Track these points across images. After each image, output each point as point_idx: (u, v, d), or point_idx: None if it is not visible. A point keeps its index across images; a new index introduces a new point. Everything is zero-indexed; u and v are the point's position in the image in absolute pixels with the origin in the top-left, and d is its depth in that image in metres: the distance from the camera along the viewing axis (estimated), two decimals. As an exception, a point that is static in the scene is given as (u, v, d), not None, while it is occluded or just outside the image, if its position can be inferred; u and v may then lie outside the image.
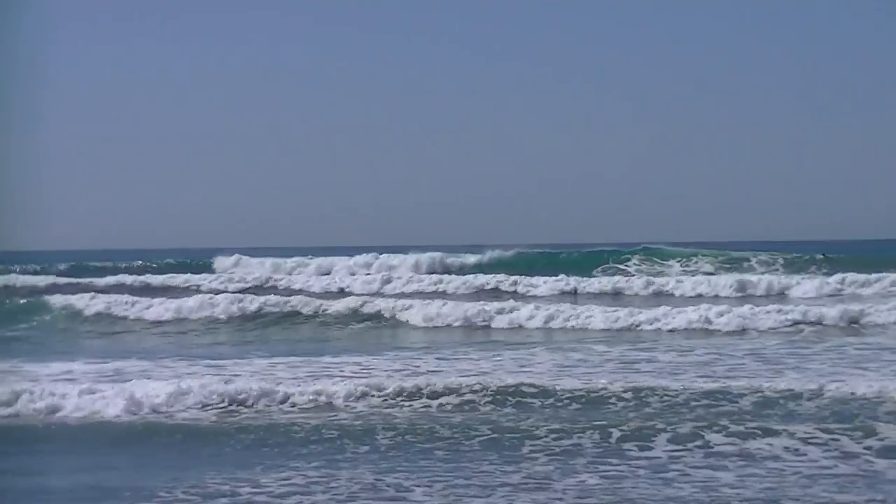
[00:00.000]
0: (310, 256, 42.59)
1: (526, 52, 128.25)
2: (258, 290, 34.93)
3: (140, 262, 46.27)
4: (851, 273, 31.73)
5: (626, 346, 19.92)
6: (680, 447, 11.23)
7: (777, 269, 36.34)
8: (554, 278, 34.30)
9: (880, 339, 20.15)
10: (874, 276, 31.25)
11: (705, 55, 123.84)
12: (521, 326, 24.35)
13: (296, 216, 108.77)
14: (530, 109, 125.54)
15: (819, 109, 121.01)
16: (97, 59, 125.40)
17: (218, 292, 30.95)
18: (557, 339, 22.11)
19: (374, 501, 9.49)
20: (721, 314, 23.17)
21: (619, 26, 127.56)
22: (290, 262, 42.14)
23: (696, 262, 37.80)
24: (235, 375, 15.88)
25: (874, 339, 20.27)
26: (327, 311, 27.12)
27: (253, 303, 28.00)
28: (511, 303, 26.14)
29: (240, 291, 32.67)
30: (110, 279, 39.83)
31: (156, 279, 40.07)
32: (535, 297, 31.68)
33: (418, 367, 16.95)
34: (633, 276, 35.99)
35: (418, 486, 9.90)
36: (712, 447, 11.20)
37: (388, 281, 36.39)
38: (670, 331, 22.71)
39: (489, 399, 13.83)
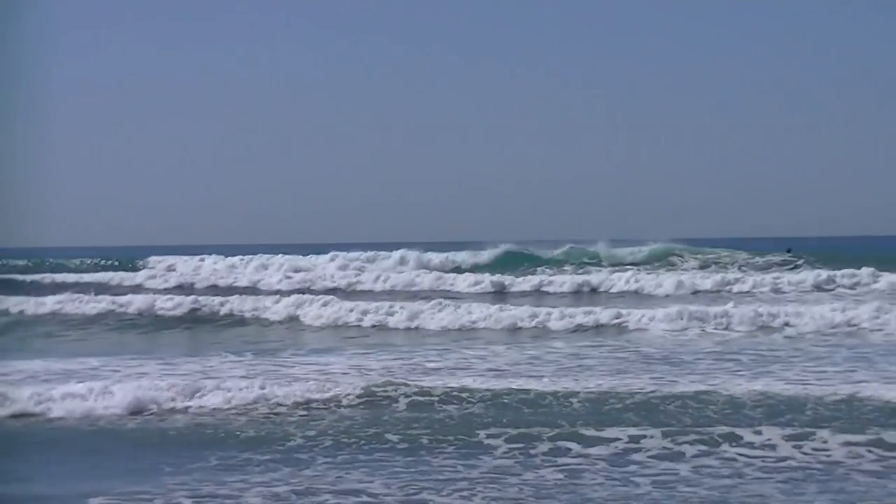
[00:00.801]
0: (281, 255, 40.89)
1: (506, 52, 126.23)
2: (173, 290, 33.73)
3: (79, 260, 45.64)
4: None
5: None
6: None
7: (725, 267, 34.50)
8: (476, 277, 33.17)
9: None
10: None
11: (684, 55, 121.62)
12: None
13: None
14: (500, 109, 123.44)
15: (794, 109, 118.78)
16: (97, 60, 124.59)
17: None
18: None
19: None
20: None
21: (589, 24, 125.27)
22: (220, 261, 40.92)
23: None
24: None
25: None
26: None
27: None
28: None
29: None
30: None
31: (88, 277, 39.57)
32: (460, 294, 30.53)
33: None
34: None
35: None
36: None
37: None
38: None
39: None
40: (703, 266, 34.46)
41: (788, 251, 36.92)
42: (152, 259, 43.55)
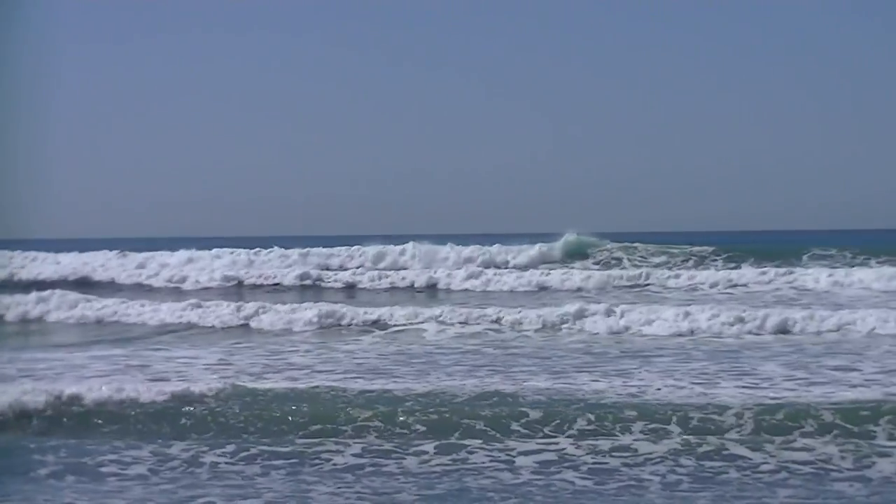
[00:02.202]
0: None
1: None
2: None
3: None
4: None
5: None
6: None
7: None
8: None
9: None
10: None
11: (614, 48, 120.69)
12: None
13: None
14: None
15: (734, 99, 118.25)
16: (98, 60, 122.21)
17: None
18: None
19: None
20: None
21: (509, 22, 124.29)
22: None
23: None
24: None
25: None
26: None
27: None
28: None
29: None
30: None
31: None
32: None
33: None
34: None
35: None
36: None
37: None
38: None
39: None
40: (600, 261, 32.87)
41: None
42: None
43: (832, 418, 10.99)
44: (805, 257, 31.36)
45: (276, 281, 31.61)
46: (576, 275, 29.41)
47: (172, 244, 36.87)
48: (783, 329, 19.17)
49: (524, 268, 31.66)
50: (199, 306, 22.98)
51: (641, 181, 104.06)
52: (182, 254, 35.07)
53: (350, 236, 39.62)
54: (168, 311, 23.11)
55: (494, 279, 29.60)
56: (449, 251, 33.55)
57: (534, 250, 33.03)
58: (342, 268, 33.28)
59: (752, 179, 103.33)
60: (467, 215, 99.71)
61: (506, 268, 31.84)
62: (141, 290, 30.71)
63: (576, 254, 33.34)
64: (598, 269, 30.61)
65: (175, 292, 30.07)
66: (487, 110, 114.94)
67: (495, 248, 33.46)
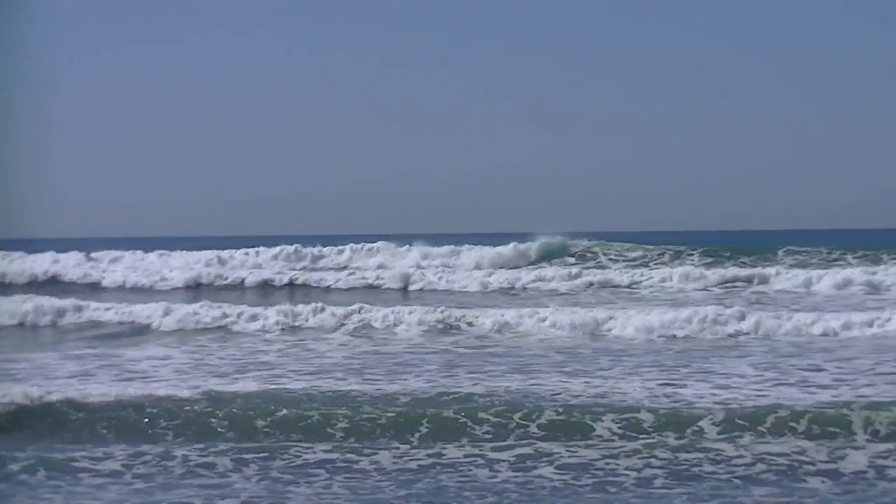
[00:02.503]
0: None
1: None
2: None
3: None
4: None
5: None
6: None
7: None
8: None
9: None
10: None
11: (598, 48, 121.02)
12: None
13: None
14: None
15: (721, 100, 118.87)
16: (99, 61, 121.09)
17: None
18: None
19: None
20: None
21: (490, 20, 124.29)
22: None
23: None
24: None
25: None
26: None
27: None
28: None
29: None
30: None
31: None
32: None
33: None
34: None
35: None
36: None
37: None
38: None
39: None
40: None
41: None
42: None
43: (801, 418, 11.06)
44: (781, 253, 31.35)
45: (239, 281, 31.61)
46: (547, 273, 29.51)
47: (170, 244, 36.96)
48: (754, 329, 19.17)
49: (504, 267, 31.41)
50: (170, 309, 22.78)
51: (639, 181, 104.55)
52: (151, 254, 35.12)
53: (347, 235, 39.87)
54: (136, 311, 22.97)
55: (460, 279, 29.69)
56: (408, 251, 33.63)
57: (508, 250, 32.89)
58: (313, 268, 33.26)
59: (749, 180, 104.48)
60: (467, 215, 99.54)
61: (484, 268, 31.66)
62: (104, 290, 30.62)
63: (553, 253, 33.20)
64: (567, 268, 30.43)
65: (143, 292, 29.93)
66: (484, 110, 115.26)
67: (466, 248, 33.22)
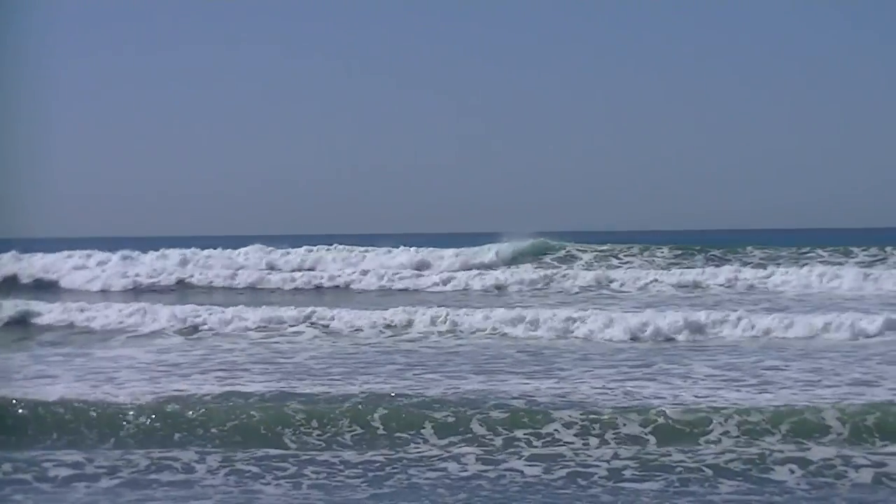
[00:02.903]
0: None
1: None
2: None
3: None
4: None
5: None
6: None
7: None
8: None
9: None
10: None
11: (546, 43, 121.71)
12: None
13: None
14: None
15: (681, 99, 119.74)
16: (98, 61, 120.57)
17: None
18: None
19: None
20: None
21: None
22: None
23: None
24: None
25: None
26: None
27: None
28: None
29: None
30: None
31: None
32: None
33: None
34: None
35: None
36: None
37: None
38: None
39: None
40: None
41: None
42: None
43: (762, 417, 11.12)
44: (756, 252, 31.52)
45: (209, 282, 31.70)
46: (521, 274, 29.83)
47: (167, 243, 36.92)
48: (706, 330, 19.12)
49: (485, 268, 31.47)
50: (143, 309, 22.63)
51: (628, 180, 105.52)
52: (118, 254, 34.99)
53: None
54: (110, 313, 22.83)
55: (425, 280, 29.92)
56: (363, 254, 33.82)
57: (490, 252, 32.90)
58: (272, 268, 33.30)
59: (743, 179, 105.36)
60: (468, 215, 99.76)
61: (468, 269, 31.57)
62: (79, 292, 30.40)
63: (533, 254, 33.17)
64: (543, 270, 30.46)
65: (113, 293, 29.85)
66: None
67: (450, 250, 33.11)
